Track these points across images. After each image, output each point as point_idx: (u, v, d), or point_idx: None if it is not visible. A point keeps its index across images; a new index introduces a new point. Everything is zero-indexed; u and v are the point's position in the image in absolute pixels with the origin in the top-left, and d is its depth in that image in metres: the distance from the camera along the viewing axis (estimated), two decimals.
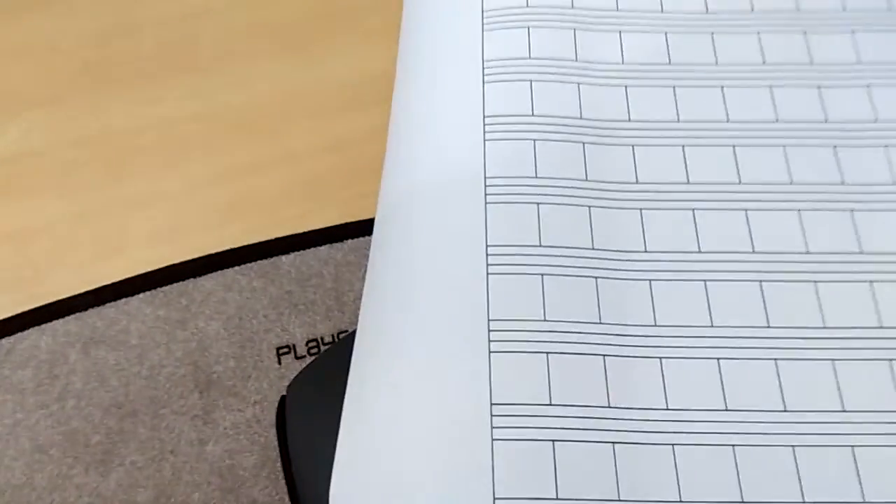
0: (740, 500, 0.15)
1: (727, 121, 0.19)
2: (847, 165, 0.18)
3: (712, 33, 0.20)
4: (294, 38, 0.25)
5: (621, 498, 0.15)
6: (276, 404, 0.20)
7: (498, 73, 0.20)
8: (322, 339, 0.20)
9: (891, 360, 0.16)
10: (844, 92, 0.19)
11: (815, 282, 0.17)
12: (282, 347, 0.20)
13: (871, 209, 0.18)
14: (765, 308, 0.17)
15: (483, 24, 0.21)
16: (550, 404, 0.16)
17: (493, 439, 0.16)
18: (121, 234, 0.22)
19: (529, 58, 0.20)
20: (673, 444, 0.15)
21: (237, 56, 0.25)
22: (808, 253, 0.18)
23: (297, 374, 0.19)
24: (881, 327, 0.17)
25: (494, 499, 0.15)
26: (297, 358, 0.20)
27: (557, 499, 0.15)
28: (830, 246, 0.18)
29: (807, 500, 0.15)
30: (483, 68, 0.20)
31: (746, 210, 0.18)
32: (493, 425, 0.16)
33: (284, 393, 0.19)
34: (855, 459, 0.15)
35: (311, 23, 0.26)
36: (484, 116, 0.20)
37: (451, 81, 0.20)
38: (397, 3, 0.25)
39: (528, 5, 0.21)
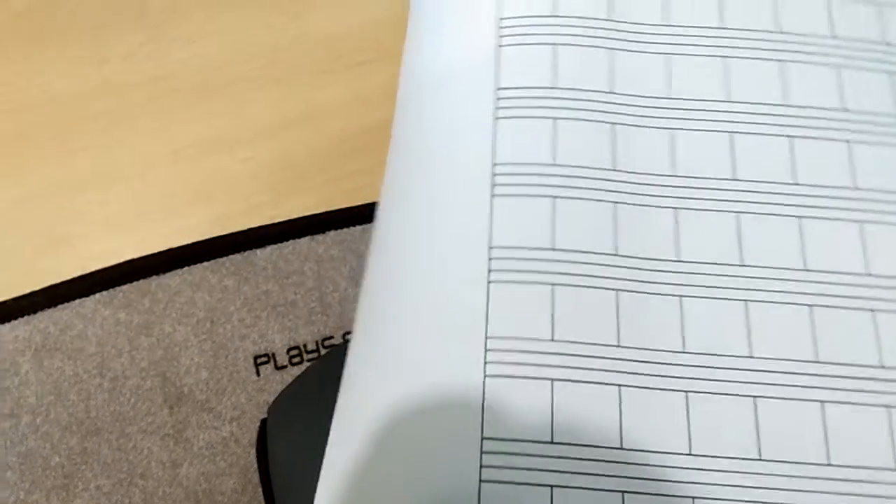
0: (758, 457, 0.14)
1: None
2: None
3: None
4: None
5: (624, 446, 0.14)
6: (256, 421, 0.18)
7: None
8: (305, 346, 0.19)
9: None
10: None
11: (862, 221, 0.16)
12: (260, 356, 0.18)
13: None
14: (802, 249, 0.15)
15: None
16: (552, 340, 0.14)
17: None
18: (70, 222, 0.20)
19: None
20: (686, 392, 0.14)
21: (193, 6, 0.22)
22: (856, 189, 0.16)
23: (279, 395, 0.17)
24: None
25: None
26: (277, 368, 0.18)
27: (552, 442, 0.14)
28: (880, 184, 0.16)
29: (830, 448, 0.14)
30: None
31: (791, 137, 0.16)
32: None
33: (265, 412, 0.17)
34: (891, 419, 0.14)
35: None
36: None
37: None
38: None
39: None
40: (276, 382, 0.18)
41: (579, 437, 0.15)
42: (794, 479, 0.14)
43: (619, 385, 0.15)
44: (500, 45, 0.17)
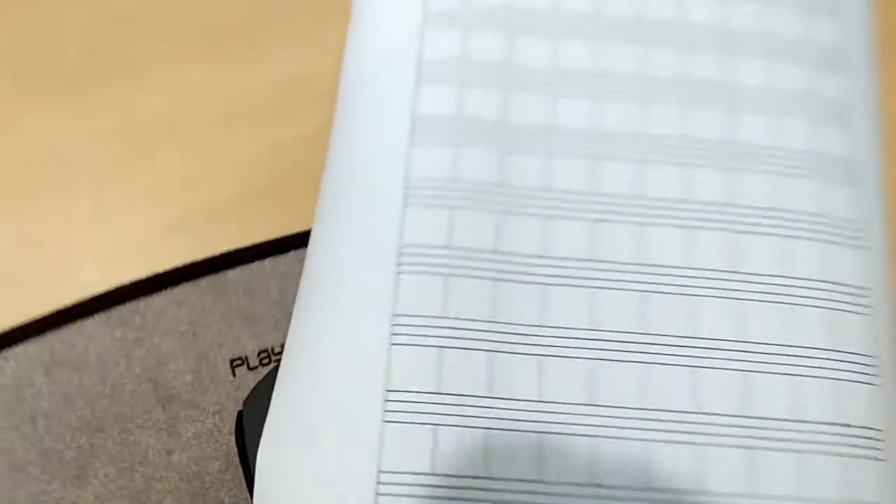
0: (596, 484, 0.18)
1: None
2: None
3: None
4: (222, 41, 0.26)
5: (493, 475, 0.18)
6: (234, 414, 0.22)
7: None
8: (272, 349, 0.22)
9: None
10: None
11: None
12: (235, 360, 0.22)
13: None
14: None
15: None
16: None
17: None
18: (68, 256, 0.23)
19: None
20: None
21: (165, 61, 0.25)
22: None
23: (252, 390, 0.21)
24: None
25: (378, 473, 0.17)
26: (249, 369, 0.22)
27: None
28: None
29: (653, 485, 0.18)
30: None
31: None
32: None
33: (241, 406, 0.21)
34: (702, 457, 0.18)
35: (239, 26, 0.26)
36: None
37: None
38: (324, 5, 0.25)
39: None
40: (249, 380, 0.22)
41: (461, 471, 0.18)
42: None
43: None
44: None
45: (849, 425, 0.18)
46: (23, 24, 0.25)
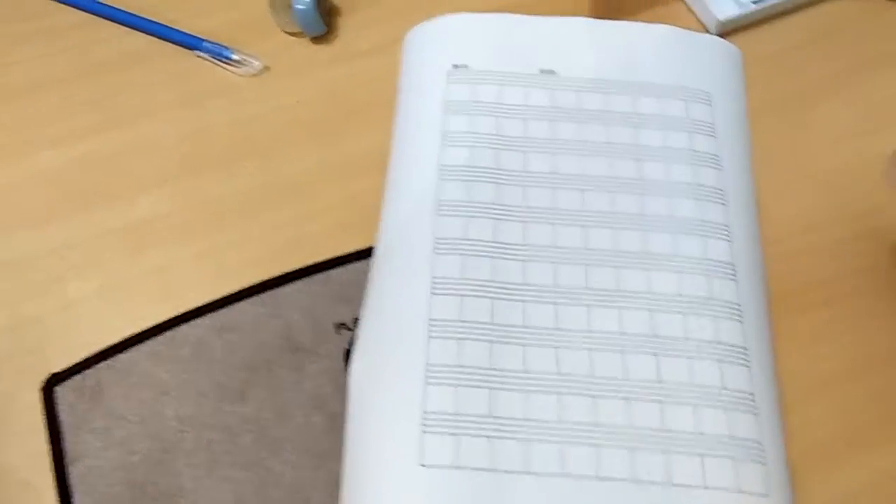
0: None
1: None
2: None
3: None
4: (318, 130, 0.39)
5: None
6: (340, 356, 0.33)
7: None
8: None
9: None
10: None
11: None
12: (339, 323, 0.34)
13: None
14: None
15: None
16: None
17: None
18: (234, 262, 0.36)
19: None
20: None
21: (281, 142, 0.39)
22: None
23: (350, 340, 0.33)
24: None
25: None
26: (349, 329, 0.34)
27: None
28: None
29: None
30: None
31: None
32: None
33: (348, 347, 0.33)
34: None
35: (330, 116, 0.40)
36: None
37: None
38: (388, 102, 0.39)
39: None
40: (348, 336, 0.34)
41: None
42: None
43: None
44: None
45: None
46: (187, 126, 0.39)
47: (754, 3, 0.42)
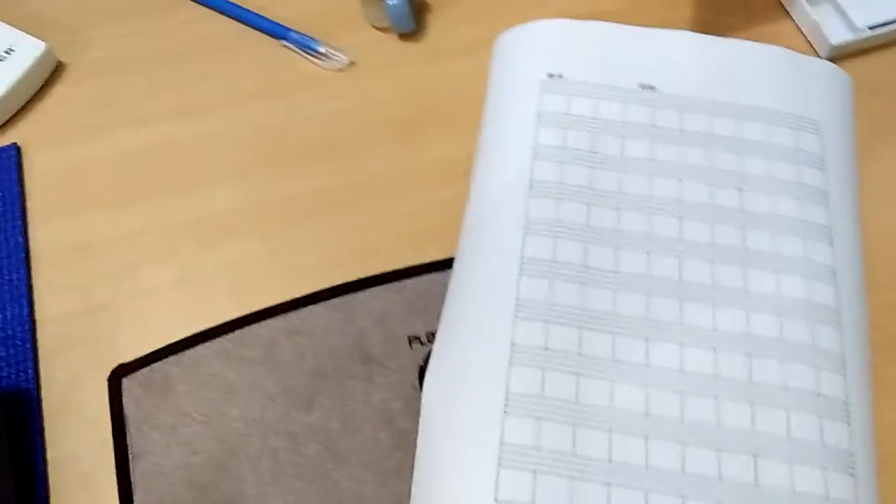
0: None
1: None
2: None
3: None
4: (402, 131, 0.38)
5: None
6: (411, 372, 0.32)
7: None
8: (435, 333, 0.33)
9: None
10: None
11: None
12: (412, 337, 0.33)
13: None
14: None
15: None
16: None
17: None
18: (309, 265, 0.35)
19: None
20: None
21: (363, 141, 0.38)
22: None
23: (426, 356, 0.31)
24: None
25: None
26: (421, 344, 0.33)
27: None
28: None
29: None
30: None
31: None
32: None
33: (422, 363, 0.32)
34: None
35: (415, 117, 0.38)
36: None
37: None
38: (476, 107, 0.37)
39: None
40: (421, 352, 0.32)
41: None
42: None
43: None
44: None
45: None
46: (269, 120, 0.38)
47: (871, 28, 0.40)
